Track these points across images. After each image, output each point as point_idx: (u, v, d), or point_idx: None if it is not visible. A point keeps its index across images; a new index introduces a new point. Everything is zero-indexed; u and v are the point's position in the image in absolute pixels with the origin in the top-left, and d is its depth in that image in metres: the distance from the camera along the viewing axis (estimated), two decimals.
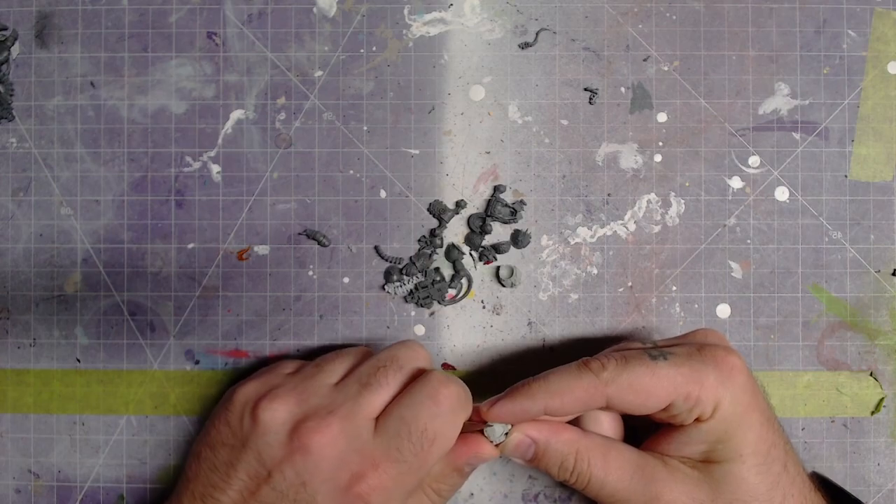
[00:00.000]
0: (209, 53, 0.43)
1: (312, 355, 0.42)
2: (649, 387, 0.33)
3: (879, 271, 0.42)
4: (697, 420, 0.33)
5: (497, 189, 0.42)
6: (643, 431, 0.37)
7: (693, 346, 0.35)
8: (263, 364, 0.42)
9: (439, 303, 0.42)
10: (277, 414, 0.34)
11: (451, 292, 0.42)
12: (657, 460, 0.34)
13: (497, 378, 0.42)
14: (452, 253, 0.42)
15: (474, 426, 0.35)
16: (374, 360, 0.36)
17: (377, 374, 0.34)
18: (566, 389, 0.33)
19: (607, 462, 0.34)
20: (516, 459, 0.36)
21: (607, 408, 0.34)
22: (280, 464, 0.33)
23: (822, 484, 0.38)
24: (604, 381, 0.33)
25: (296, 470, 0.32)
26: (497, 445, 0.35)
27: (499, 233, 0.42)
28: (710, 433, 0.33)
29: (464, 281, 0.42)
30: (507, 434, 0.35)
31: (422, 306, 0.42)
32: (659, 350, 0.34)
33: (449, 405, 0.33)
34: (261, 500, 0.33)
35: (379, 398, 0.34)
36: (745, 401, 0.33)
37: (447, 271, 0.42)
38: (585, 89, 0.43)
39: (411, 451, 0.33)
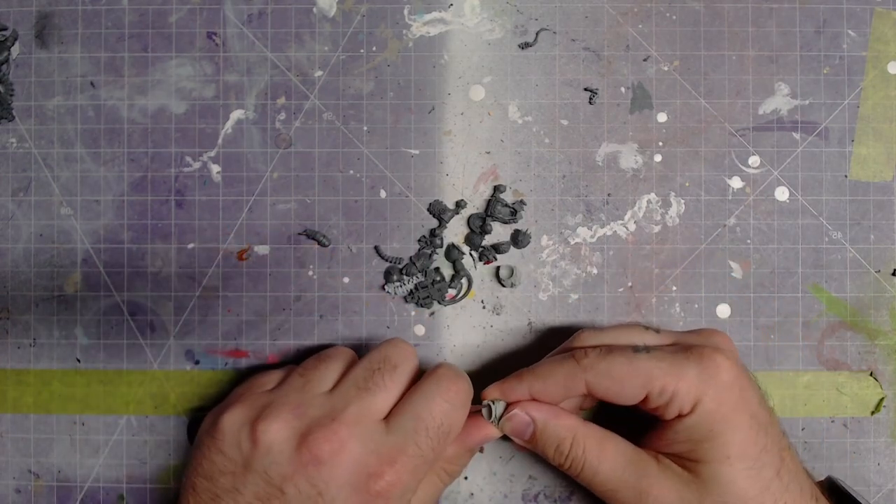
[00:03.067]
0: (209, 53, 0.43)
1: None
2: (625, 376, 0.34)
3: (879, 271, 0.42)
4: (679, 416, 0.34)
5: (497, 189, 0.42)
6: (640, 431, 0.37)
7: (682, 346, 0.36)
8: (262, 366, 0.42)
9: (439, 303, 0.42)
10: (279, 433, 0.33)
11: (451, 292, 0.42)
12: (650, 457, 0.35)
13: (497, 377, 0.42)
14: (452, 253, 0.42)
15: (472, 408, 0.37)
16: (366, 362, 0.36)
17: (374, 376, 0.35)
18: (549, 374, 0.35)
19: (602, 451, 0.35)
20: (515, 439, 0.37)
21: (590, 395, 0.36)
22: (292, 478, 0.32)
23: (833, 491, 0.38)
24: (583, 367, 0.35)
25: (310, 481, 0.32)
26: (497, 425, 0.37)
27: (499, 233, 0.42)
28: (693, 430, 0.34)
29: (464, 281, 0.42)
30: (504, 412, 0.37)
31: (422, 306, 0.42)
32: (646, 347, 0.35)
33: (460, 400, 0.35)
34: None
35: (383, 401, 0.35)
36: (730, 401, 0.34)
37: (447, 271, 0.42)
38: (585, 89, 0.43)
39: (429, 445, 0.34)
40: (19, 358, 0.43)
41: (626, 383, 0.34)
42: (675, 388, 0.33)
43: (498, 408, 0.36)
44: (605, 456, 0.35)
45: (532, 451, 0.37)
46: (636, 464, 0.35)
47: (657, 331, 0.37)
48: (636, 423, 0.38)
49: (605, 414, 0.41)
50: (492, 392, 0.37)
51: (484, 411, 0.37)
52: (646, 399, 0.34)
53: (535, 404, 0.36)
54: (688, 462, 0.34)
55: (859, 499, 0.36)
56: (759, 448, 0.33)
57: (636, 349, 0.35)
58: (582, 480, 0.36)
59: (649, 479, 0.34)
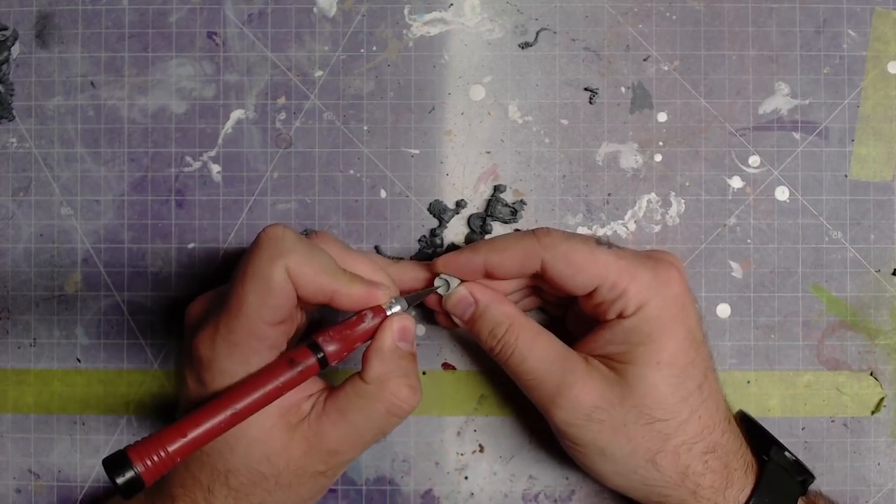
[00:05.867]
0: (209, 53, 0.43)
1: None
2: (582, 263, 0.34)
3: (879, 271, 0.42)
4: (620, 316, 0.35)
5: (497, 189, 0.42)
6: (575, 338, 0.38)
7: (644, 252, 0.36)
8: None
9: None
10: None
11: None
12: (580, 357, 0.36)
13: (497, 377, 0.42)
14: None
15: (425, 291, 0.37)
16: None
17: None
18: (507, 247, 0.35)
19: (534, 342, 0.35)
20: (455, 318, 0.37)
21: (541, 278, 0.36)
22: None
23: (745, 422, 0.40)
24: (543, 245, 0.35)
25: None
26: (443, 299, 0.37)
27: (499, 233, 0.42)
28: (631, 333, 0.34)
29: None
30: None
31: (422, 306, 0.42)
32: (608, 242, 0.36)
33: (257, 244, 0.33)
34: None
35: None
36: (672, 311, 0.34)
37: None
38: (585, 89, 0.43)
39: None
40: (20, 358, 0.43)
41: (581, 270, 0.34)
42: (626, 287, 0.34)
43: (453, 283, 0.37)
44: (535, 347, 0.35)
45: (469, 333, 0.37)
46: (564, 359, 0.35)
47: (609, 246, 0.36)
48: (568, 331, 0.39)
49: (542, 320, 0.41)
50: (445, 264, 0.37)
51: (436, 281, 0.37)
52: (592, 293, 0.35)
53: (480, 287, 0.37)
54: (617, 364, 0.35)
55: (767, 430, 0.38)
56: (687, 360, 0.35)
57: (599, 241, 0.35)
58: (509, 367, 0.36)
59: (574, 376, 0.35)
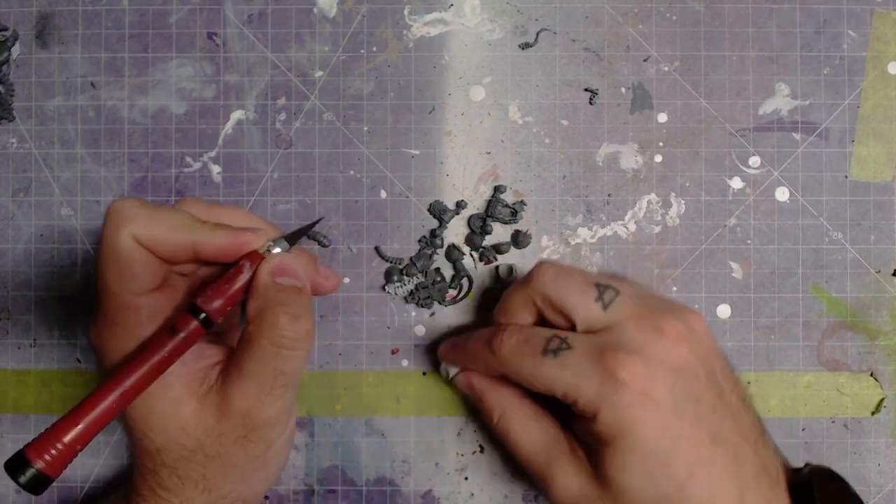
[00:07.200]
0: (209, 54, 0.43)
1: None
2: (530, 378, 0.35)
3: (880, 271, 0.42)
4: (583, 416, 0.34)
5: (497, 189, 0.42)
6: None
7: (595, 349, 0.34)
8: None
9: (440, 303, 0.42)
10: None
11: (452, 293, 0.42)
12: (568, 446, 0.36)
13: None
14: (453, 253, 0.42)
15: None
16: None
17: None
18: (474, 357, 0.38)
19: (525, 430, 0.37)
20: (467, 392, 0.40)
21: (543, 316, 0.37)
22: None
23: (821, 480, 0.35)
24: (499, 359, 0.36)
25: None
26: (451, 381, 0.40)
27: (499, 233, 0.42)
28: (595, 435, 0.34)
29: (464, 281, 0.42)
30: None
31: (422, 307, 0.42)
32: (557, 348, 0.34)
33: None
34: None
35: None
36: (630, 418, 0.32)
37: (448, 272, 0.42)
38: (586, 89, 0.43)
39: None
40: (20, 358, 0.43)
41: (532, 384, 0.35)
42: (575, 399, 0.33)
43: (452, 371, 0.40)
44: (526, 434, 0.37)
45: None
46: (553, 448, 0.36)
47: (605, 302, 0.35)
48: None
49: None
50: (446, 354, 0.40)
51: (441, 367, 0.41)
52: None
53: (476, 376, 0.39)
54: (594, 458, 0.34)
55: (856, 494, 0.35)
56: (658, 463, 0.33)
57: (545, 351, 0.34)
58: (506, 445, 0.38)
59: (558, 467, 0.35)
